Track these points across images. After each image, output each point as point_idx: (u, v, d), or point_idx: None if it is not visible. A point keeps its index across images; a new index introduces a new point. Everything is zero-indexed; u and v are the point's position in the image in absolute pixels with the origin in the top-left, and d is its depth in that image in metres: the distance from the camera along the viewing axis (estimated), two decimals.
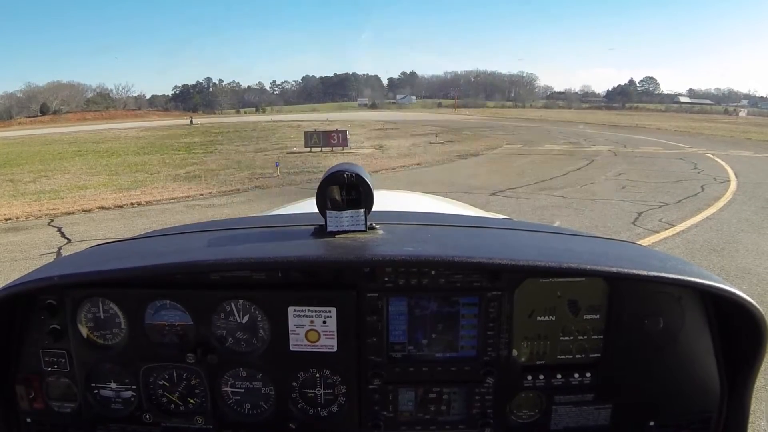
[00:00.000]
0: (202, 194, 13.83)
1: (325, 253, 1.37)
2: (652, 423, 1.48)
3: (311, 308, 1.39)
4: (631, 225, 9.56)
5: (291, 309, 1.39)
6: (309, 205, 1.87)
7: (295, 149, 24.58)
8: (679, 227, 9.32)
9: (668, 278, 1.31)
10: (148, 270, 1.35)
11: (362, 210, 1.43)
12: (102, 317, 1.43)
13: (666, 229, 9.21)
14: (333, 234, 1.44)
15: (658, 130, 39.70)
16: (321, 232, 1.46)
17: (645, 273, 1.31)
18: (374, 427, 1.46)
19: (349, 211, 1.43)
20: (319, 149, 23.35)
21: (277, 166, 17.10)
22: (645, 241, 8.20)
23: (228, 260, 1.34)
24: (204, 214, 11.34)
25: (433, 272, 1.40)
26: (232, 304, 1.41)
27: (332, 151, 23.17)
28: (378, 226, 1.50)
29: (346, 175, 1.40)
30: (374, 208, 1.45)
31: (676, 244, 8.27)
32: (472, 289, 1.41)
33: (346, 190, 1.42)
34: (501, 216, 2.84)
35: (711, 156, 20.86)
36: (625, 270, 1.31)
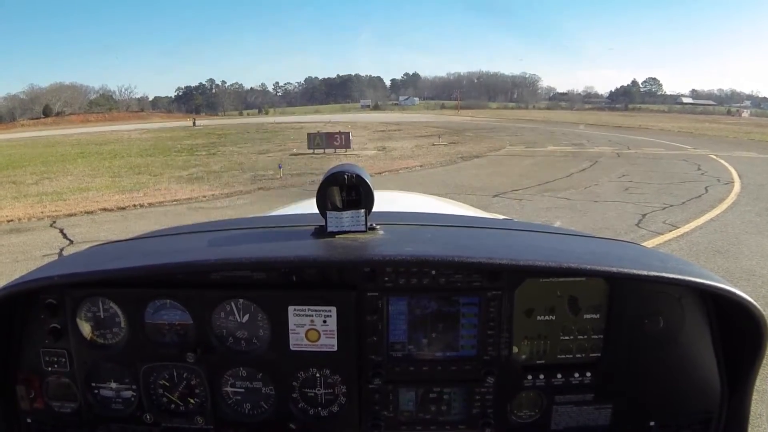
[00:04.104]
0: (204, 196, 13.82)
1: (325, 254, 1.37)
2: (652, 423, 1.48)
3: (311, 308, 1.38)
4: (635, 227, 9.53)
5: (291, 308, 1.39)
6: (309, 206, 1.87)
7: (297, 151, 24.56)
8: (683, 229, 9.29)
9: (669, 278, 1.31)
10: (148, 270, 1.35)
11: (362, 210, 1.43)
12: (102, 317, 1.44)
13: (670, 230, 9.17)
14: (333, 234, 1.44)
15: (661, 131, 39.62)
16: (321, 232, 1.46)
17: (645, 273, 1.30)
18: (374, 427, 1.46)
19: (349, 212, 1.43)
20: (322, 151, 23.31)
21: (279, 167, 17.10)
22: (649, 243, 8.15)
23: (228, 260, 1.34)
24: (207, 215, 11.33)
25: (433, 272, 1.40)
26: (232, 304, 1.41)
27: (335, 152, 23.12)
28: (378, 227, 1.50)
29: (346, 176, 1.40)
30: (374, 209, 1.45)
31: (680, 246, 8.24)
32: (472, 289, 1.40)
33: (347, 191, 1.42)
34: (501, 216, 2.84)
35: (714, 157, 20.80)
36: (626, 270, 1.31)
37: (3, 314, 1.42)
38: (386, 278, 1.40)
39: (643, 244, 1.89)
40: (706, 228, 9.40)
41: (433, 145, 27.25)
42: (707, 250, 7.93)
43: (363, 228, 1.44)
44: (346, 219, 1.43)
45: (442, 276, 1.40)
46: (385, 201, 1.85)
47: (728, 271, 6.86)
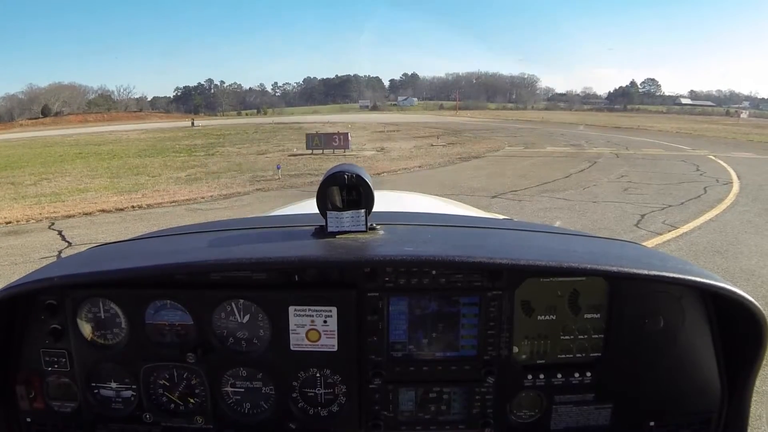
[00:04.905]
0: (203, 197, 13.80)
1: (325, 254, 1.37)
2: (652, 423, 1.48)
3: (312, 308, 1.39)
4: (634, 227, 9.53)
5: (291, 308, 1.39)
6: (309, 206, 1.87)
7: (296, 151, 24.55)
8: (683, 229, 9.29)
9: (669, 277, 1.31)
10: (148, 270, 1.35)
11: (362, 210, 1.43)
12: (102, 317, 1.43)
13: (669, 231, 9.18)
14: (333, 234, 1.44)
15: (659, 131, 39.64)
16: (321, 232, 1.46)
17: (645, 272, 1.31)
18: (374, 427, 1.46)
19: (349, 212, 1.43)
20: (320, 151, 23.30)
21: (278, 168, 17.09)
22: (648, 244, 8.14)
23: (228, 260, 1.34)
24: (205, 217, 11.29)
25: (433, 272, 1.40)
26: (233, 304, 1.41)
27: (334, 153, 23.11)
28: (378, 227, 1.50)
29: (346, 176, 1.40)
30: (374, 209, 1.45)
31: (680, 246, 8.24)
32: (472, 289, 1.41)
33: (347, 191, 1.42)
34: (501, 216, 2.84)
35: (713, 158, 20.83)
36: (626, 269, 1.31)
37: (3, 315, 1.41)
38: (386, 278, 1.40)
39: (642, 244, 1.89)
40: (705, 228, 9.41)
41: (432, 145, 27.27)
42: (706, 251, 7.94)
43: (363, 228, 1.44)
44: (346, 219, 1.44)
45: (442, 276, 1.40)
46: (385, 201, 1.86)
47: (727, 271, 6.86)
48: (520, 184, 14.86)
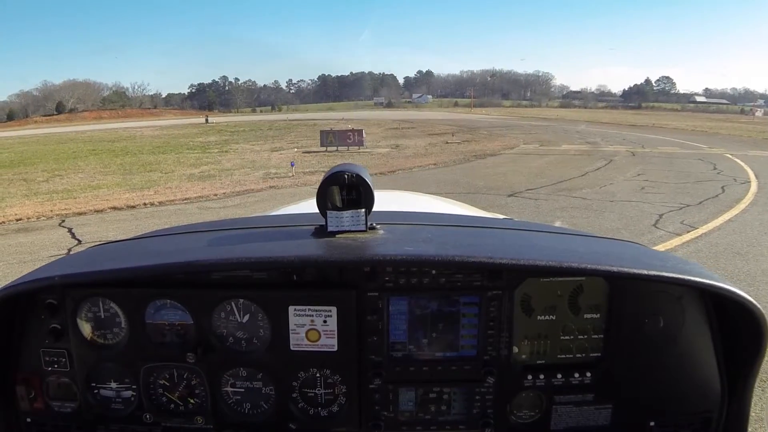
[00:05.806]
0: (216, 194, 13.83)
1: (325, 253, 1.37)
2: (652, 423, 1.48)
3: (312, 308, 1.38)
4: (652, 227, 9.39)
5: (291, 308, 1.39)
6: (309, 205, 1.87)
7: (310, 148, 24.61)
8: (701, 230, 9.13)
9: (669, 277, 1.30)
10: (148, 270, 1.35)
11: (362, 210, 1.43)
12: (102, 317, 1.44)
13: (688, 231, 9.02)
14: (333, 234, 1.44)
15: (675, 129, 39.22)
16: (321, 232, 1.46)
17: (645, 272, 1.30)
18: (374, 427, 1.46)
19: (349, 211, 1.43)
20: (335, 148, 23.36)
21: (292, 165, 17.13)
22: (667, 245, 8.10)
23: (228, 260, 1.34)
24: (217, 214, 11.32)
25: (433, 272, 1.39)
26: (233, 304, 1.41)
27: (348, 150, 23.17)
28: (378, 226, 1.50)
29: (346, 176, 1.40)
30: (374, 208, 1.45)
31: (699, 247, 8.10)
32: (472, 289, 1.40)
33: (347, 190, 1.42)
34: (501, 216, 2.84)
35: (730, 156, 20.53)
36: (626, 269, 1.31)
37: (3, 314, 1.42)
38: (386, 278, 1.40)
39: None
40: (725, 229, 9.25)
41: (447, 143, 27.18)
42: (726, 252, 7.79)
43: (363, 227, 1.44)
44: (346, 218, 1.43)
45: (442, 275, 1.40)
46: (385, 200, 1.86)
47: (749, 274, 6.64)
48: (536, 182, 14.75)
